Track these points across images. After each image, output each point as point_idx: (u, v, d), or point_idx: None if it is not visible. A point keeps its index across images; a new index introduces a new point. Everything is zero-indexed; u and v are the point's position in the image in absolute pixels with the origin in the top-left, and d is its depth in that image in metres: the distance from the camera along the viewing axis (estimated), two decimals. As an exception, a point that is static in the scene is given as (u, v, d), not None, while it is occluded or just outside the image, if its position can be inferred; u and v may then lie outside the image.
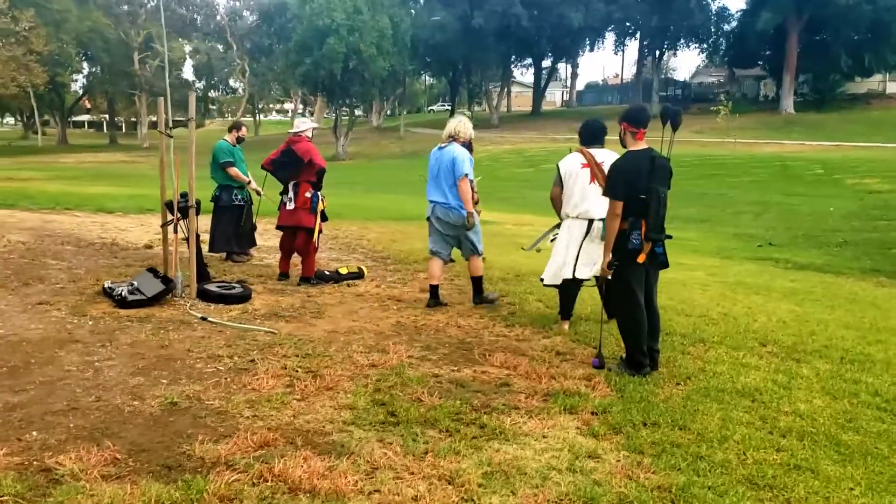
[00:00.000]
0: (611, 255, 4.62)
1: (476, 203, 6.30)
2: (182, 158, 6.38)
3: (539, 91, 62.17)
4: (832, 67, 46.61)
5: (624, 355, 4.84)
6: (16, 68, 40.34)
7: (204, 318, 5.63)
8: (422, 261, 8.86)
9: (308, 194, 7.07)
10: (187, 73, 68.34)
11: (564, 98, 78.12)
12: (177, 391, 4.03)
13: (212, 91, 75.29)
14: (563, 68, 75.84)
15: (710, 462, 3.40)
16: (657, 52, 59.58)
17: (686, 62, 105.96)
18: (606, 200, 4.75)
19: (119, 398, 3.91)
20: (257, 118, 73.39)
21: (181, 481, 2.96)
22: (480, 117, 54.79)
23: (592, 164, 5.50)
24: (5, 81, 40.22)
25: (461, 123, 6.48)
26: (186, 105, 6.62)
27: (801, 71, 48.17)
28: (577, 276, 5.61)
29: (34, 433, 3.39)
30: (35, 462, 3.10)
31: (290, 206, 7.14)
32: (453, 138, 6.39)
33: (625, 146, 4.77)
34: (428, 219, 6.56)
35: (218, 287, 6.42)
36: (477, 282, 6.66)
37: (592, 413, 3.98)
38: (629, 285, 4.66)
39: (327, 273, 7.45)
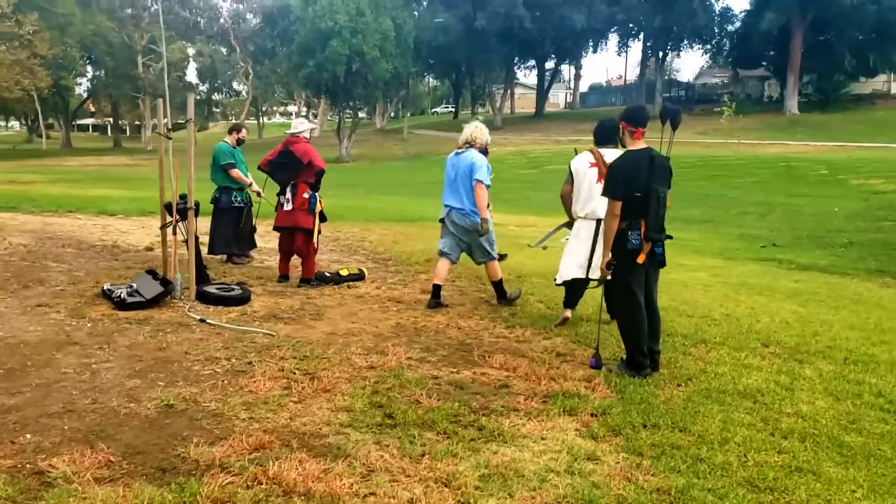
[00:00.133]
0: (610, 254, 4.60)
1: (487, 206, 6.35)
2: (181, 161, 6.36)
3: (542, 93, 62.10)
4: (836, 68, 46.48)
5: (624, 356, 4.80)
6: (20, 72, 40.40)
7: (202, 320, 5.61)
8: (423, 262, 8.83)
9: (306, 195, 7.05)
10: (191, 76, 68.65)
11: (568, 100, 78.05)
12: (173, 393, 4.00)
13: (215, 94, 75.41)
14: (567, 70, 75.90)
15: (710, 464, 3.37)
16: (660, 53, 59.48)
17: (690, 63, 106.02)
18: None
19: (115, 400, 3.89)
20: (261, 121, 73.52)
21: (175, 484, 2.94)
22: (484, 119, 54.72)
23: (601, 164, 5.53)
24: (9, 85, 40.28)
25: (477, 129, 6.49)
26: (187, 106, 6.60)
27: (805, 71, 48.04)
28: (591, 276, 5.67)
29: (28, 436, 3.37)
30: (28, 465, 3.08)
31: (288, 206, 7.11)
32: (470, 144, 6.41)
33: (623, 146, 4.74)
34: (442, 220, 6.56)
35: (217, 289, 6.39)
36: (497, 285, 6.66)
37: (592, 415, 3.94)
38: (629, 286, 4.63)
39: (327, 275, 7.43)
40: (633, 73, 72.03)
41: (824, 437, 3.77)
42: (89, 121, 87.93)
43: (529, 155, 37.46)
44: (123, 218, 12.75)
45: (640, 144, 4.67)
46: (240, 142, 8.62)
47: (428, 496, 2.95)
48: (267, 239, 9.87)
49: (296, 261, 7.45)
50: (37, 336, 5.04)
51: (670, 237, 4.73)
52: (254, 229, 8.72)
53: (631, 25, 56.77)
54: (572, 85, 75.32)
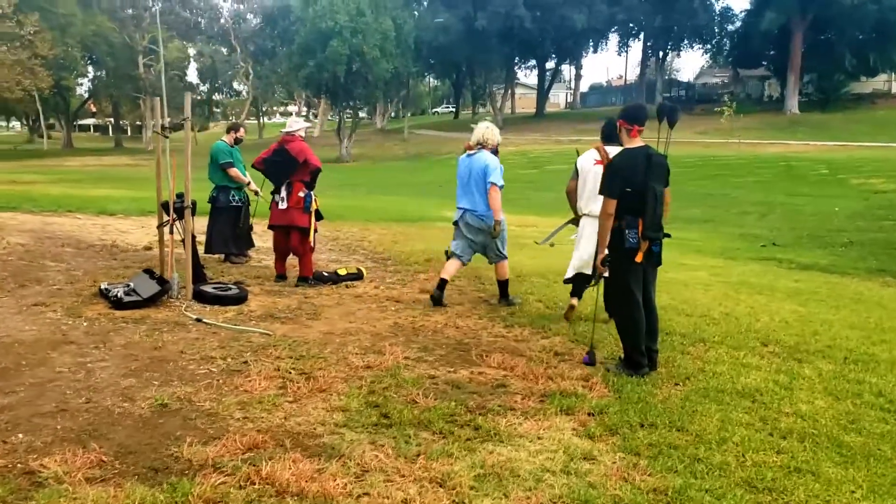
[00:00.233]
0: (604, 252, 4.58)
1: None
2: (179, 161, 6.33)
3: (543, 93, 62.07)
4: (837, 67, 46.42)
5: (622, 355, 4.77)
6: (21, 72, 40.39)
7: (199, 320, 5.58)
8: (422, 262, 8.81)
9: (301, 194, 7.01)
10: (191, 76, 68.65)
11: (568, 100, 78.01)
12: (168, 393, 3.98)
13: (216, 94, 75.41)
14: (567, 70, 75.88)
15: (707, 464, 3.34)
16: (661, 53, 59.49)
17: (690, 63, 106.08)
18: None
19: (109, 400, 3.86)
20: (261, 121, 73.51)
21: (167, 484, 2.91)
22: (490, 120, 54.68)
23: (606, 161, 5.51)
24: (10, 85, 40.28)
25: (489, 130, 6.50)
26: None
27: (806, 71, 47.98)
28: (587, 272, 5.74)
29: (20, 435, 3.34)
30: (19, 465, 3.05)
31: (283, 205, 7.08)
32: (482, 145, 6.42)
33: (621, 144, 4.72)
34: (455, 223, 6.58)
35: (214, 288, 6.37)
36: (503, 285, 6.67)
37: (589, 414, 3.91)
38: (627, 285, 4.60)
39: (325, 274, 7.40)
40: (633, 73, 72.10)
41: (823, 436, 3.74)
42: (90, 121, 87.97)
43: (530, 155, 37.42)
44: (123, 217, 12.72)
45: (637, 143, 4.65)
46: (238, 141, 8.60)
47: (422, 496, 2.93)
48: (265, 238, 9.82)
49: (293, 260, 7.43)
50: (32, 335, 5.02)
51: (668, 236, 4.71)
52: (251, 228, 8.70)
53: (631, 25, 56.75)
54: (573, 85, 75.29)
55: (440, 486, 3.02)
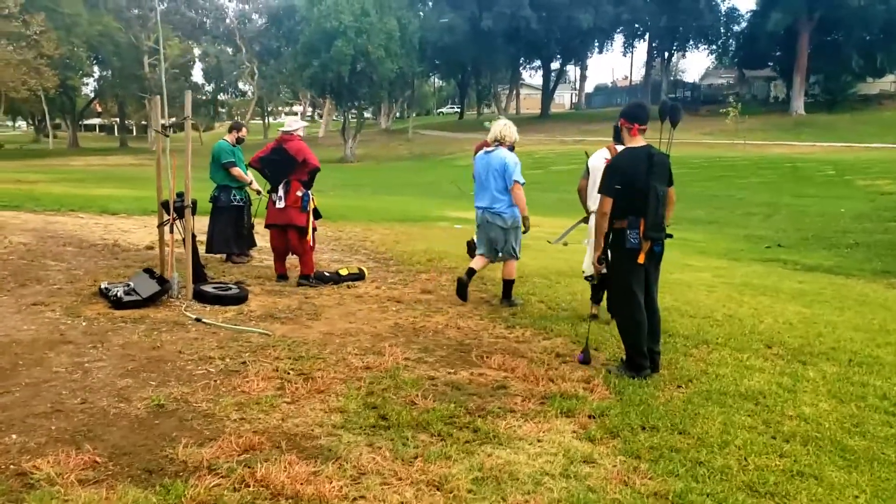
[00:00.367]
0: (601, 251, 4.54)
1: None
2: (180, 161, 6.30)
3: (548, 93, 62.01)
4: (843, 68, 46.29)
5: (624, 357, 4.73)
6: (27, 72, 40.54)
7: (198, 320, 5.56)
8: (424, 262, 8.77)
9: (299, 193, 6.98)
10: (197, 76, 68.73)
11: (573, 100, 77.91)
12: (164, 393, 3.94)
13: (221, 94, 75.49)
14: (572, 70, 75.80)
15: (709, 468, 3.29)
16: (666, 54, 59.40)
17: (695, 64, 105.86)
18: None
19: (105, 400, 3.83)
20: (266, 121, 73.59)
21: (160, 486, 2.88)
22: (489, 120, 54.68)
23: None
24: (16, 85, 40.46)
25: (506, 127, 6.53)
26: (192, 106, 6.55)
27: (812, 72, 47.83)
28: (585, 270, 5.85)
29: (14, 436, 3.31)
30: (11, 466, 3.02)
31: (280, 204, 7.05)
32: (499, 142, 6.45)
33: (622, 143, 4.67)
34: (479, 226, 6.61)
35: (214, 288, 6.34)
36: (508, 284, 6.66)
37: (590, 416, 3.87)
38: (629, 286, 4.55)
39: (327, 274, 7.36)
40: (638, 74, 72.04)
41: (827, 440, 3.69)
42: (96, 121, 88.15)
43: (535, 155, 37.34)
44: (125, 217, 12.71)
45: (638, 142, 4.60)
46: (239, 140, 8.57)
47: (419, 499, 2.89)
48: (267, 238, 9.81)
49: (294, 260, 7.40)
50: (30, 335, 4.99)
51: (670, 236, 4.66)
52: (252, 227, 8.68)
53: (637, 26, 56.70)
54: (578, 85, 75.21)
55: (437, 490, 2.98)
